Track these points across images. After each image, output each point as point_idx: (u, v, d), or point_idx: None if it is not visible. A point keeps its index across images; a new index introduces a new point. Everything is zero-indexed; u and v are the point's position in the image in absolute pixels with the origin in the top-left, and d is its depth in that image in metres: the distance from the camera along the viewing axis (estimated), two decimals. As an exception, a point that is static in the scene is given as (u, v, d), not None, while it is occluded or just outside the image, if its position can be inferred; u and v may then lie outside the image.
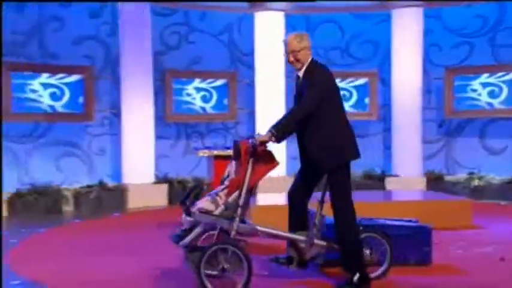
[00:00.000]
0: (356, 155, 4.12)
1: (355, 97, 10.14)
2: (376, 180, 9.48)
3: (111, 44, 9.07)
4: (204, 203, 4.04)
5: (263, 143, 3.95)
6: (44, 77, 8.50)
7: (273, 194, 7.67)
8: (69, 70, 8.65)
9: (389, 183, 9.44)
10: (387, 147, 10.03)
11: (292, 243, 4.17)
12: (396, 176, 9.53)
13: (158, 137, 9.25)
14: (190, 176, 9.29)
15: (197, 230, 4.06)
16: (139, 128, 8.80)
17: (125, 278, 4.56)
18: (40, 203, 7.94)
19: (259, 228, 4.09)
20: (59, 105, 8.62)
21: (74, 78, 8.70)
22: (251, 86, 9.84)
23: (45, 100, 8.51)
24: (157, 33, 9.31)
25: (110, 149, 9.19)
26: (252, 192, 4.12)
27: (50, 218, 7.66)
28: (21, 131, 8.44)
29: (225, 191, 4.04)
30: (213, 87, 9.79)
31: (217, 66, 9.80)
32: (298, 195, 4.22)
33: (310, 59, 4.14)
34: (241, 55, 10.06)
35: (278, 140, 3.97)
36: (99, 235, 6.45)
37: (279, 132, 3.94)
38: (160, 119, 9.38)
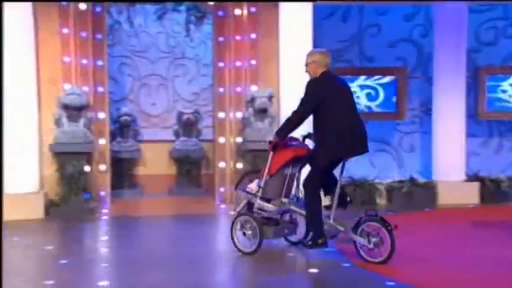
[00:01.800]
0: (343, 155, 5.01)
1: None
2: None
3: (423, 44, 9.37)
4: (252, 183, 5.42)
5: (270, 143, 5.24)
6: (361, 80, 9.30)
7: None
8: (384, 72, 9.27)
9: None
10: None
11: None
12: None
13: (469, 134, 9.19)
14: (504, 174, 8.99)
15: (243, 203, 5.45)
16: (450, 125, 8.86)
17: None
18: (357, 194, 8.64)
19: (292, 207, 5.32)
20: (374, 105, 9.32)
21: (387, 79, 9.30)
22: None
23: (362, 101, 9.29)
24: (471, 31, 9.23)
25: (420, 147, 9.50)
26: (291, 178, 5.35)
27: (365, 208, 8.25)
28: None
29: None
30: (533, 83, 9.27)
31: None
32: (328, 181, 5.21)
33: (320, 72, 5.04)
34: None
35: (283, 138, 5.22)
36: (413, 229, 6.60)
37: (280, 135, 5.19)
38: (472, 117, 9.29)
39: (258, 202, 5.34)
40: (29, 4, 7.55)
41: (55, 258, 5.38)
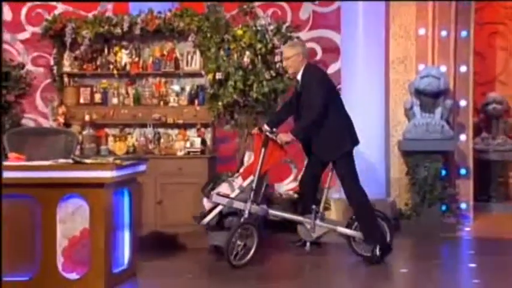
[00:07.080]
0: (352, 144, 5.33)
1: None
2: None
3: None
4: (222, 187, 5.42)
5: (288, 143, 5.29)
6: None
7: None
8: None
9: None
10: None
11: (299, 224, 5.41)
12: None
13: None
14: None
15: (215, 211, 5.39)
16: None
17: None
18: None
19: (270, 211, 5.42)
20: None
21: None
22: None
23: None
24: None
25: None
26: (263, 179, 5.40)
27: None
28: None
29: (240, 177, 5.40)
30: None
31: None
32: (308, 183, 5.40)
33: (305, 64, 5.34)
34: None
35: (299, 139, 5.39)
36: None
37: (300, 135, 5.27)
38: None
39: (252, 207, 5.29)
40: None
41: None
